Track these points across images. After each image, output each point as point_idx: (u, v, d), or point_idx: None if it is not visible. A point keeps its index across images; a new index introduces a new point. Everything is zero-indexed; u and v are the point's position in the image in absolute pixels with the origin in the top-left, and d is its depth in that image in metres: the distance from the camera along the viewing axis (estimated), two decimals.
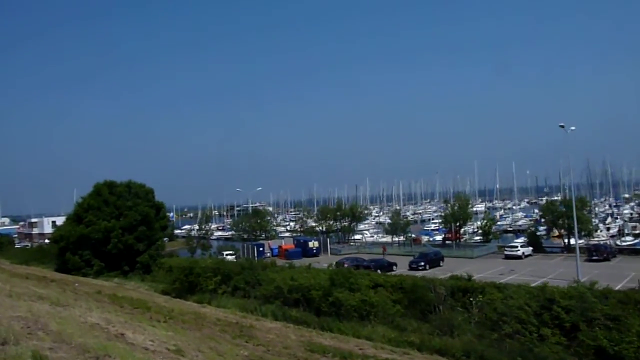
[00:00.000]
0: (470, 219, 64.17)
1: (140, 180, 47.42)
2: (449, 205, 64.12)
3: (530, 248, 54.26)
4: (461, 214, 61.38)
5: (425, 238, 71.57)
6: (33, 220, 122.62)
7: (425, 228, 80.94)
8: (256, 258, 58.92)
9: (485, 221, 62.85)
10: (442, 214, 67.67)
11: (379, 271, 41.78)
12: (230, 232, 73.56)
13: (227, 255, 58.52)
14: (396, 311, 22.34)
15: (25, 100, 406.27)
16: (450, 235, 62.48)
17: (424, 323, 21.39)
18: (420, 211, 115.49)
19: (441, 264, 49.46)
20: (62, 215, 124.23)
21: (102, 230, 41.77)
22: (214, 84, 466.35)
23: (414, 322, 22.07)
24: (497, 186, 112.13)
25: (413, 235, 65.76)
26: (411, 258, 51.25)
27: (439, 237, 72.21)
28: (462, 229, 63.56)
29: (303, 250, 62.80)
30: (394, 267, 48.22)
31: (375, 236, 78.26)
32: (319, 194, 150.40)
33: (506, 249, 53.98)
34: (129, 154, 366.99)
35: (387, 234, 76.47)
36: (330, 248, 64.81)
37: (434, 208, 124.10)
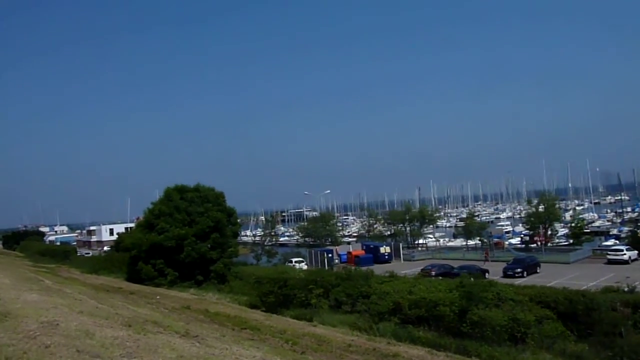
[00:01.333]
0: (559, 219, 58.42)
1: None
2: (533, 205, 58.60)
3: (636, 252, 48.32)
4: (548, 214, 55.80)
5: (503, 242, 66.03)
6: (91, 228, 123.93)
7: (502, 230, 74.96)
8: (327, 266, 55.71)
9: (575, 222, 56.97)
10: (524, 216, 62.09)
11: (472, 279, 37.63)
12: (288, 238, 70.47)
13: (296, 262, 55.32)
14: (560, 333, 18.09)
15: (77, 108, 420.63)
16: (538, 238, 56.95)
17: (603, 349, 17.08)
18: (486, 213, 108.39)
19: (538, 271, 44.58)
20: (119, 223, 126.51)
21: (175, 238, 39.20)
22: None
23: (581, 345, 17.79)
24: (570, 185, 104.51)
25: (495, 239, 60.50)
26: (500, 264, 46.62)
27: (513, 241, 66.71)
28: (549, 232, 57.89)
29: (374, 256, 58.95)
30: (487, 275, 43.61)
31: (441, 240, 73.31)
32: (366, 198, 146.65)
33: (609, 253, 48.20)
34: (172, 161, 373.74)
35: (455, 237, 71.75)
36: (402, 254, 60.58)
37: (506, 209, 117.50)
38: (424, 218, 67.38)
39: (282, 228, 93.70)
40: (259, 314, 24.88)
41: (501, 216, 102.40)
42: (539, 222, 56.34)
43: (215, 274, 40.33)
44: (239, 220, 49.46)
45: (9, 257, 53.09)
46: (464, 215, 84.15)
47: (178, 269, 39.95)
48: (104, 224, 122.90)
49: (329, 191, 68.41)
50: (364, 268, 44.36)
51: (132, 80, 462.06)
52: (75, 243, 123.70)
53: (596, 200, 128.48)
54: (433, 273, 43.68)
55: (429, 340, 19.73)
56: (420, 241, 71.06)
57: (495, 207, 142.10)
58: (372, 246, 62.17)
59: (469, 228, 63.84)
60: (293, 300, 26.69)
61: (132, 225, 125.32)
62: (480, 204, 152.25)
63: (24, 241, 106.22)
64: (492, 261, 51.12)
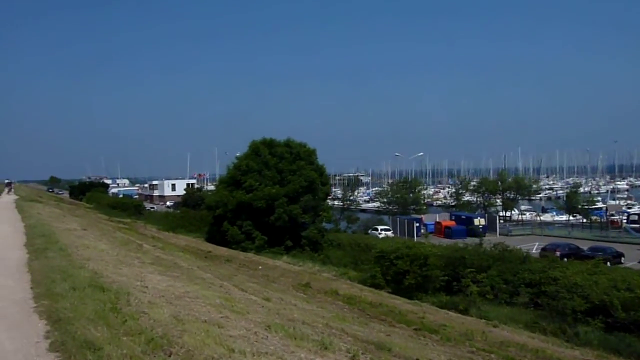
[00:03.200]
0: None
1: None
2: None
3: None
4: None
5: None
6: (154, 182, 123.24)
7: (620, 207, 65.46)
8: (415, 236, 50.17)
9: None
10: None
11: (608, 264, 31.14)
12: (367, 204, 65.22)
13: (382, 230, 50.03)
14: None
15: (136, 63, 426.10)
16: None
17: None
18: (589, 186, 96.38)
19: None
20: (180, 179, 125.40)
21: (265, 198, 34.56)
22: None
23: None
24: None
25: (614, 217, 52.72)
26: (623, 247, 39.57)
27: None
28: None
29: (467, 228, 52.65)
30: (622, 259, 36.77)
31: (527, 214, 65.40)
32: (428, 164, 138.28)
33: None
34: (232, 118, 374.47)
35: (545, 212, 64.07)
36: (498, 227, 53.98)
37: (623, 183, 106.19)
38: (520, 188, 60.04)
39: (364, 191, 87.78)
40: (398, 299, 19.71)
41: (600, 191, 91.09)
42: None
43: (308, 241, 35.64)
44: None
45: (80, 208, 50.56)
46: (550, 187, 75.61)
47: (266, 232, 35.49)
48: (166, 179, 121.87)
49: (421, 153, 61.78)
50: (455, 240, 39.06)
51: (201, 37, 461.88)
52: (137, 196, 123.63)
53: None
54: (558, 254, 37.08)
55: None
56: (510, 214, 63.87)
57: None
58: (463, 217, 55.80)
59: (573, 203, 56.15)
60: (433, 282, 21.32)
61: (194, 181, 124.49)
62: (552, 177, 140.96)
63: (89, 192, 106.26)
64: (609, 242, 43.88)
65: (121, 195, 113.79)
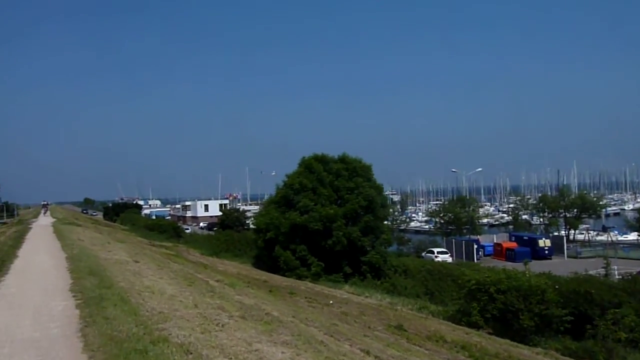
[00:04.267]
0: None
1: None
2: None
3: None
4: None
5: None
6: (187, 203, 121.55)
7: None
8: (474, 259, 45.88)
9: None
10: None
11: None
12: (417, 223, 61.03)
13: (438, 253, 45.89)
14: None
15: (167, 86, 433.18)
16: None
17: None
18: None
19: None
20: (213, 199, 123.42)
21: (323, 219, 31.09)
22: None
23: None
24: None
25: None
26: None
27: None
28: None
29: (532, 250, 48.06)
30: None
31: (597, 233, 60.09)
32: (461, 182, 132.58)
33: None
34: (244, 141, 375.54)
35: (605, 230, 58.64)
36: (566, 248, 49.20)
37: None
38: (586, 206, 55.03)
39: (415, 210, 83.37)
40: (521, 347, 15.76)
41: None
42: None
43: (369, 267, 31.89)
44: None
45: (117, 230, 48.14)
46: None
47: (322, 257, 31.93)
48: (197, 200, 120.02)
49: (480, 169, 57.36)
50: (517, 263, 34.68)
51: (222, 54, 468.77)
52: (169, 217, 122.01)
53: None
54: None
55: None
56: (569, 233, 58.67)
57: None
58: (525, 237, 51.24)
59: None
60: (554, 324, 17.31)
61: (227, 201, 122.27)
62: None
63: (123, 213, 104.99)
64: None
65: (154, 217, 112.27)
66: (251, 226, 68.06)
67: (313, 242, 31.80)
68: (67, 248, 17.25)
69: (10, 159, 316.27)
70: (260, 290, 19.39)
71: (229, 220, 66.40)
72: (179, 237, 51.11)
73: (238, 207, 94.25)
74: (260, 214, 38.65)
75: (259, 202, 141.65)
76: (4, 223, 64.82)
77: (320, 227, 31.06)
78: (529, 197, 64.88)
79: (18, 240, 21.86)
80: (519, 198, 61.55)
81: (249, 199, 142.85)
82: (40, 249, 17.60)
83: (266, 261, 33.73)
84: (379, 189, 35.46)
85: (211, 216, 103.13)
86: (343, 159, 35.13)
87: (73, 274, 11.11)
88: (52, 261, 13.88)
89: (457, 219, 52.11)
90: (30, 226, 37.55)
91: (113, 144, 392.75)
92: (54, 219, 49.35)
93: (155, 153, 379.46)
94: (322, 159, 34.75)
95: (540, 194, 64.24)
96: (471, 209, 54.02)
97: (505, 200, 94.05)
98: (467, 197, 57.57)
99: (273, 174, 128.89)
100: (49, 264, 13.26)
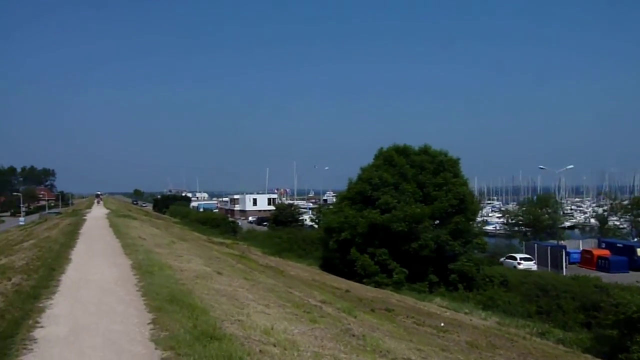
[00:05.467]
0: None
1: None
2: None
3: None
4: None
5: None
6: (235, 196, 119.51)
7: None
8: (563, 268, 40.44)
9: None
10: None
11: None
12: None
13: (521, 260, 40.71)
14: None
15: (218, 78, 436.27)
16: None
17: None
18: None
19: None
20: (261, 193, 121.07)
21: (408, 220, 26.90)
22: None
23: None
24: None
25: None
26: None
27: None
28: None
29: (629, 259, 42.06)
30: None
31: None
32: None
33: None
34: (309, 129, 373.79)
35: None
36: None
37: None
38: None
39: (492, 212, 77.19)
40: None
41: None
42: None
43: (459, 275, 27.49)
44: None
45: (171, 224, 45.58)
46: None
47: (404, 263, 27.78)
48: (246, 193, 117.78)
49: (572, 166, 51.70)
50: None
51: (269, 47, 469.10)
52: (216, 210, 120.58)
53: None
54: None
55: None
56: None
57: None
58: (620, 245, 45.10)
59: None
60: None
61: (275, 196, 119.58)
62: None
63: (172, 205, 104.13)
64: None
65: (201, 209, 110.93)
66: (306, 223, 64.97)
67: (394, 245, 27.71)
68: (129, 250, 13.90)
69: (66, 150, 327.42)
70: (373, 314, 15.39)
71: (283, 215, 63.02)
72: (234, 232, 48.09)
73: (290, 202, 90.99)
74: (331, 211, 34.78)
75: (306, 197, 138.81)
76: (59, 213, 63.97)
77: (405, 228, 26.89)
78: (622, 199, 58.03)
79: (71, 235, 18.87)
80: (617, 201, 54.73)
81: (295, 193, 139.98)
82: (98, 251, 14.32)
83: (337, 264, 29.88)
84: (467, 185, 30.95)
85: (259, 210, 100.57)
86: (426, 151, 30.79)
87: (148, 301, 7.49)
88: (114, 272, 10.41)
89: (538, 221, 46.55)
90: (84, 217, 35.24)
91: (164, 136, 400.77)
92: (108, 210, 47.34)
93: (203, 146, 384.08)
94: (403, 151, 30.54)
95: (631, 195, 57.44)
96: (555, 210, 48.24)
97: (595, 201, 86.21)
98: (551, 197, 51.68)
99: (326, 168, 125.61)
100: (110, 278, 9.77)
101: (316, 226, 56.00)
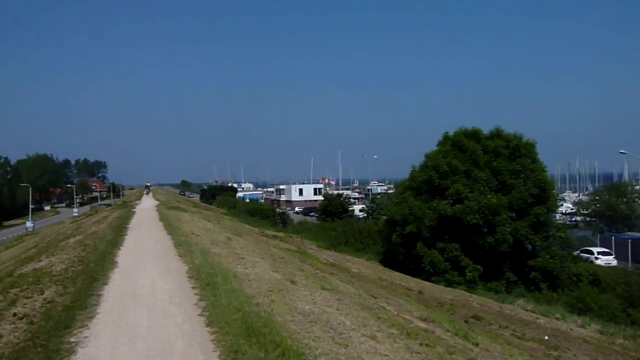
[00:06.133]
0: None
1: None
2: None
3: None
4: None
5: None
6: (281, 186, 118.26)
7: None
8: None
9: None
10: None
11: None
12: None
13: (599, 254, 36.88)
14: None
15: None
16: None
17: None
18: None
19: None
20: (306, 183, 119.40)
21: (483, 211, 24.01)
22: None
23: None
24: None
25: None
26: None
27: None
28: None
29: None
30: None
31: None
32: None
33: None
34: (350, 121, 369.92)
35: None
36: None
37: None
38: None
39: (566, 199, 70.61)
40: None
41: None
42: None
43: (541, 273, 24.40)
44: None
45: (220, 216, 44.12)
46: None
47: (477, 259, 24.92)
48: (291, 183, 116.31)
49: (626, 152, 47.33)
50: None
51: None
52: (262, 200, 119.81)
53: None
54: None
55: None
56: None
57: None
58: None
59: None
60: None
61: (321, 186, 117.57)
62: None
63: (219, 196, 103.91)
64: None
65: (247, 200, 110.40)
66: (357, 214, 62.52)
67: (467, 240, 24.89)
68: (183, 250, 11.95)
69: (117, 143, 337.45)
70: (485, 332, 12.84)
71: (332, 206, 60.77)
72: (284, 224, 46.25)
73: (338, 192, 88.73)
74: (393, 202, 32.18)
75: (351, 187, 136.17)
76: (108, 205, 64.20)
77: (480, 221, 24.04)
78: None
79: (119, 231, 17.22)
80: None
81: (340, 183, 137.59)
82: (147, 251, 12.45)
83: (401, 260, 27.33)
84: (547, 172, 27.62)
85: (306, 200, 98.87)
86: (498, 134, 27.63)
87: (218, 335, 5.32)
88: (167, 282, 8.38)
89: (614, 211, 42.22)
90: (133, 209, 34.14)
91: (209, 128, 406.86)
92: (157, 202, 46.49)
93: (247, 136, 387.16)
94: (474, 135, 27.50)
95: None
96: (633, 197, 43.64)
97: None
98: (628, 185, 46.90)
99: (375, 157, 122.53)
100: (164, 291, 7.72)
101: (366, 217, 53.59)
